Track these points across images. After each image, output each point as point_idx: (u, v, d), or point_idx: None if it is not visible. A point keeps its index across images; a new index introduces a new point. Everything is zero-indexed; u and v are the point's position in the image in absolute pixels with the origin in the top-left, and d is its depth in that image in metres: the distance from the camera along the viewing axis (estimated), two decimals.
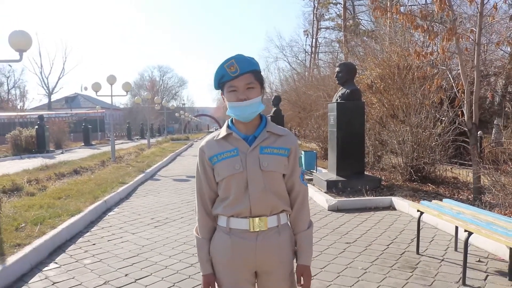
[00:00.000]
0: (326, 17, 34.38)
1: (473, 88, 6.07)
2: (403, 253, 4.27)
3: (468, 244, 4.25)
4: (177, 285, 3.56)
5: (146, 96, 25.88)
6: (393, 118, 9.00)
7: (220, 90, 1.75)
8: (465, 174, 7.96)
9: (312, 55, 35.33)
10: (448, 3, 5.55)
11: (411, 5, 15.56)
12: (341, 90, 7.74)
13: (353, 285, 3.48)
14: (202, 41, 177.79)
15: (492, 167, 5.56)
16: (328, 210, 6.31)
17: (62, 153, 20.47)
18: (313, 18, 34.84)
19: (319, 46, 35.30)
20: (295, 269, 1.80)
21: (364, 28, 25.34)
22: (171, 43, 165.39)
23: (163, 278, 3.72)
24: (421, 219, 5.08)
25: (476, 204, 5.53)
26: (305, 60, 37.35)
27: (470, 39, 6.20)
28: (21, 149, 19.12)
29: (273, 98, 16.40)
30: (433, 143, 7.86)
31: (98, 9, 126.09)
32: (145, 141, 25.52)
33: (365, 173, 7.91)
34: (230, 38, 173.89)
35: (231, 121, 1.78)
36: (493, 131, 11.54)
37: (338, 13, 31.56)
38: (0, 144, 19.68)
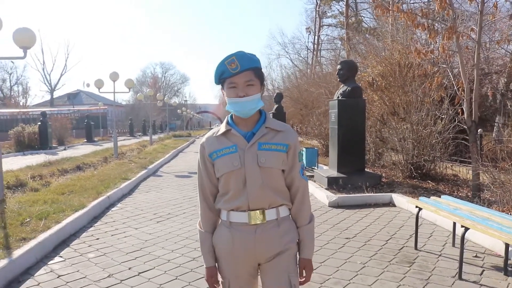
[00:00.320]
0: (328, 14, 34.45)
1: (473, 86, 6.12)
2: (401, 248, 4.34)
3: (466, 240, 4.33)
4: (180, 278, 3.64)
5: (148, 92, 25.87)
6: (394, 116, 9.05)
7: (220, 85, 1.76)
8: (465, 172, 8.01)
9: (314, 52, 35.39)
10: (449, 1, 5.59)
11: (413, 3, 15.57)
12: (342, 88, 7.80)
13: (351, 278, 3.55)
14: (203, 40, 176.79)
15: (490, 164, 5.61)
16: (329, 206, 6.38)
17: (64, 149, 20.58)
18: (316, 15, 34.86)
19: (321, 43, 35.40)
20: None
21: (366, 26, 25.36)
22: (171, 43, 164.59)
23: (165, 271, 3.80)
24: (421, 216, 5.16)
25: (475, 201, 5.59)
26: (307, 57, 37.41)
27: (471, 38, 6.24)
28: (24, 146, 19.21)
29: (275, 95, 16.47)
30: (434, 141, 7.91)
31: (98, 9, 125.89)
32: (147, 138, 25.61)
33: (365, 170, 7.98)
34: (232, 36, 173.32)
35: (231, 117, 1.80)
36: (495, 129, 11.57)
37: (340, 10, 31.56)
38: (3, 141, 19.73)
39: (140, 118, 50.03)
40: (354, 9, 29.86)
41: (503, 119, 11.24)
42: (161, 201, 7.16)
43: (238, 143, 1.72)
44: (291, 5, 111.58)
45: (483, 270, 3.66)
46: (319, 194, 7.03)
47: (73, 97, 61.68)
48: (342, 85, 7.90)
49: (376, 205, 6.38)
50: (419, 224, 4.46)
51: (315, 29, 35.24)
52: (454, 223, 4.25)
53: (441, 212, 3.92)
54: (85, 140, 27.59)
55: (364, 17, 28.64)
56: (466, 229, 3.45)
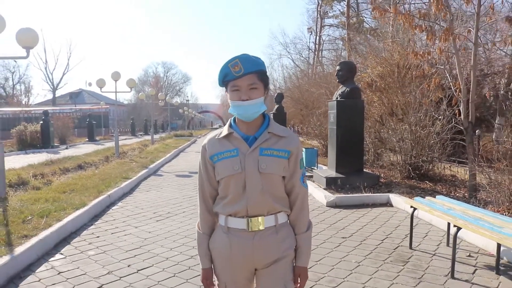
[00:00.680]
0: (330, 14, 34.46)
1: (470, 87, 6.17)
2: (396, 247, 4.40)
3: (461, 240, 4.40)
4: (178, 275, 3.71)
5: (150, 92, 26.03)
6: (392, 116, 9.10)
7: (224, 87, 1.74)
8: (463, 172, 8.05)
9: (316, 53, 35.38)
10: (446, 3, 5.65)
11: (413, 3, 15.59)
12: (341, 89, 7.86)
13: (346, 277, 3.62)
14: (203, 40, 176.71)
15: (486, 164, 5.67)
16: (327, 206, 6.44)
17: (66, 148, 20.69)
18: (317, 15, 34.89)
19: (323, 44, 35.38)
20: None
21: (367, 26, 25.39)
22: (171, 43, 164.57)
23: (164, 269, 3.88)
24: (417, 216, 5.23)
25: (472, 201, 5.64)
26: (308, 57, 37.46)
27: (468, 39, 6.29)
28: (26, 144, 19.31)
29: (276, 95, 16.54)
30: (432, 141, 7.96)
31: (99, 9, 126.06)
32: (148, 137, 25.73)
33: (364, 170, 8.03)
34: (232, 36, 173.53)
35: (234, 120, 1.78)
36: (495, 130, 11.60)
37: (341, 10, 31.59)
38: (5, 139, 19.85)
39: (142, 117, 50.17)
40: (356, 10, 29.89)
41: (503, 120, 11.26)
42: (161, 200, 7.24)
43: (239, 147, 1.70)
44: (291, 5, 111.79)
45: (476, 269, 3.72)
46: (317, 194, 7.09)
47: (75, 96, 61.79)
48: (341, 85, 7.97)
49: (374, 205, 6.44)
50: (415, 224, 4.54)
51: (316, 29, 35.28)
52: (449, 223, 4.31)
53: (435, 212, 3.98)
54: (87, 139, 27.69)
55: (365, 17, 28.72)
56: (459, 228, 3.52)
